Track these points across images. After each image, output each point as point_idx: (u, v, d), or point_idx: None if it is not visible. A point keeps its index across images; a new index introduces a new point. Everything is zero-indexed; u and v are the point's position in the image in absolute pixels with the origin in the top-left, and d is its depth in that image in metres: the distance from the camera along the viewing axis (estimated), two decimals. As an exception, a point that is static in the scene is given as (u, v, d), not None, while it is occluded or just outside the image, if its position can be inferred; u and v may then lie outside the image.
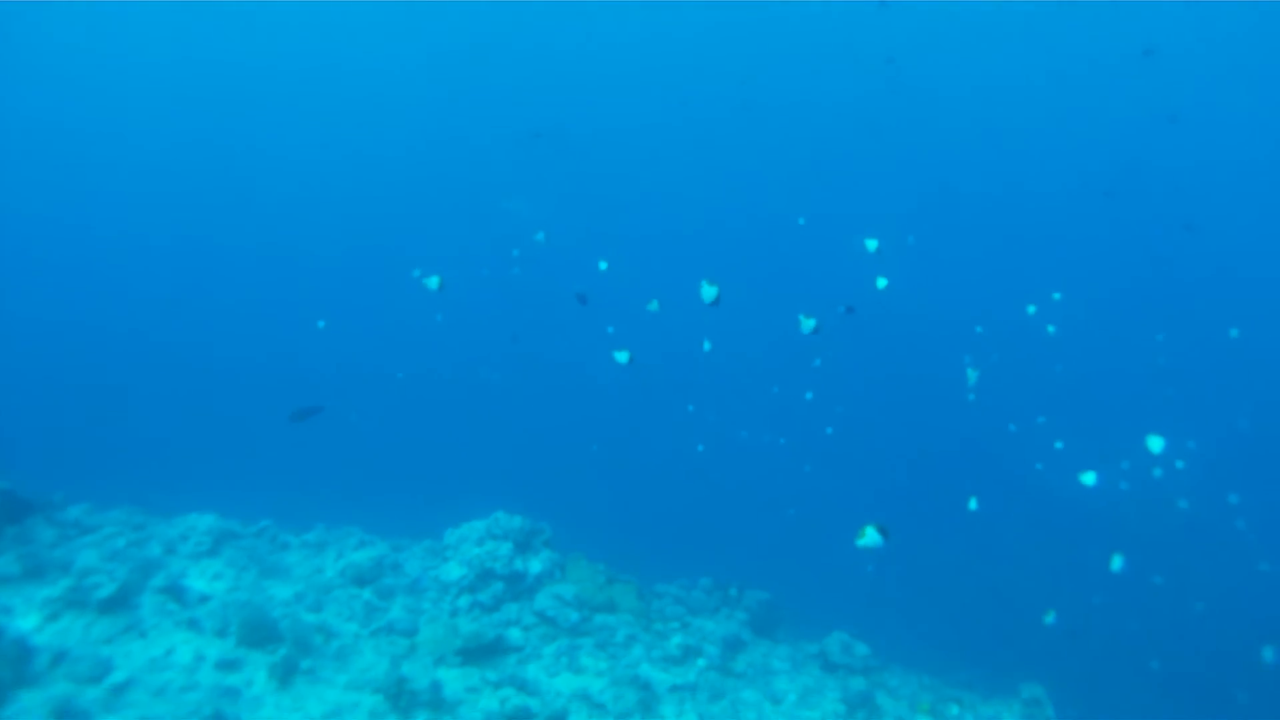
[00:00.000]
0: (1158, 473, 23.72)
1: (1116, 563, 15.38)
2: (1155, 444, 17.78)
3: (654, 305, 15.46)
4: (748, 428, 35.61)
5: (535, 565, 19.69)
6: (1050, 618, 15.64)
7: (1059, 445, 25.47)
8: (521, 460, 33.68)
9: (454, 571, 19.20)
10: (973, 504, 17.05)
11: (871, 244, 15.19)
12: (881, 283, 16.69)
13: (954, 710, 19.55)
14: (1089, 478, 15.90)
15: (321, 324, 31.17)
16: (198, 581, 17.83)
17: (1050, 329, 29.17)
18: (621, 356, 14.98)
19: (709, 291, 12.91)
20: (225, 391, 38.16)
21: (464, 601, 18.71)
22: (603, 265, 20.37)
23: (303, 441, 32.46)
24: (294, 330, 39.63)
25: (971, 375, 16.81)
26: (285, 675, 14.97)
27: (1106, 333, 39.40)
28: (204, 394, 37.24)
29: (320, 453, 32.49)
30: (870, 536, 10.39)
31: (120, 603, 15.93)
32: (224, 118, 62.09)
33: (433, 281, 13.62)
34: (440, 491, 24.00)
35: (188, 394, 36.99)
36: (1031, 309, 23.80)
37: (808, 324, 13.69)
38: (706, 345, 18.67)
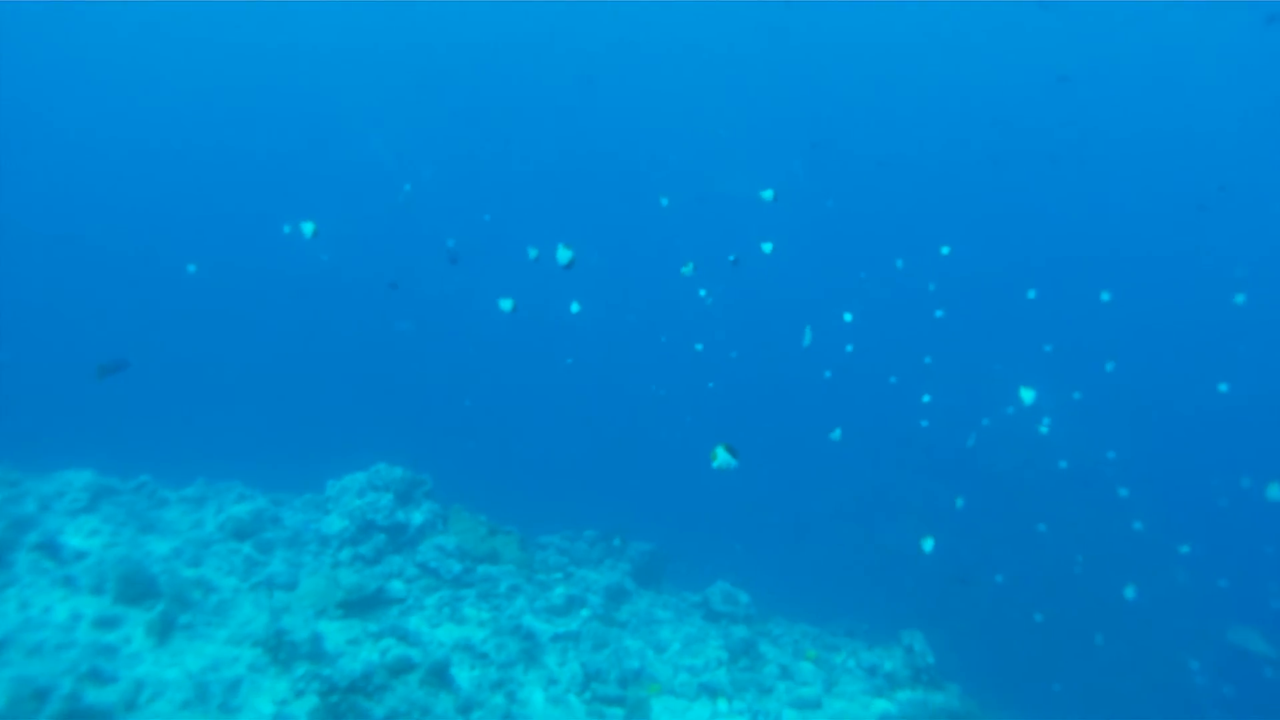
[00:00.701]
0: (1044, 429, 24.60)
1: (928, 544, 15.93)
2: (1028, 395, 18.43)
3: (533, 252, 15.50)
4: (631, 379, 35.99)
5: (417, 517, 19.81)
6: (929, 544, 16.10)
7: (926, 399, 26.18)
8: (403, 412, 33.62)
9: (335, 524, 19.25)
10: (836, 434, 17.41)
11: (768, 194, 15.42)
12: (767, 247, 16.94)
13: (838, 658, 20.13)
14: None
15: (192, 268, 30.64)
16: (74, 538, 17.66)
17: (931, 287, 29.96)
18: (505, 304, 15.04)
19: (564, 254, 13.05)
20: (102, 343, 37.43)
21: (345, 554, 18.79)
22: (486, 218, 20.38)
23: (183, 394, 32.12)
24: (171, 276, 38.89)
25: (807, 334, 17.04)
26: (164, 631, 14.95)
27: (987, 291, 40.30)
28: (82, 347, 36.46)
29: (202, 406, 32.15)
30: (722, 458, 10.59)
31: (-7, 560, 15.80)
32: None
33: (307, 227, 13.50)
34: (322, 444, 23.97)
35: (64, 347, 36.17)
36: (900, 263, 24.38)
37: (686, 268, 13.89)
38: (575, 307, 18.76)
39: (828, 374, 27.08)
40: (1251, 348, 41.62)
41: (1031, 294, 26.90)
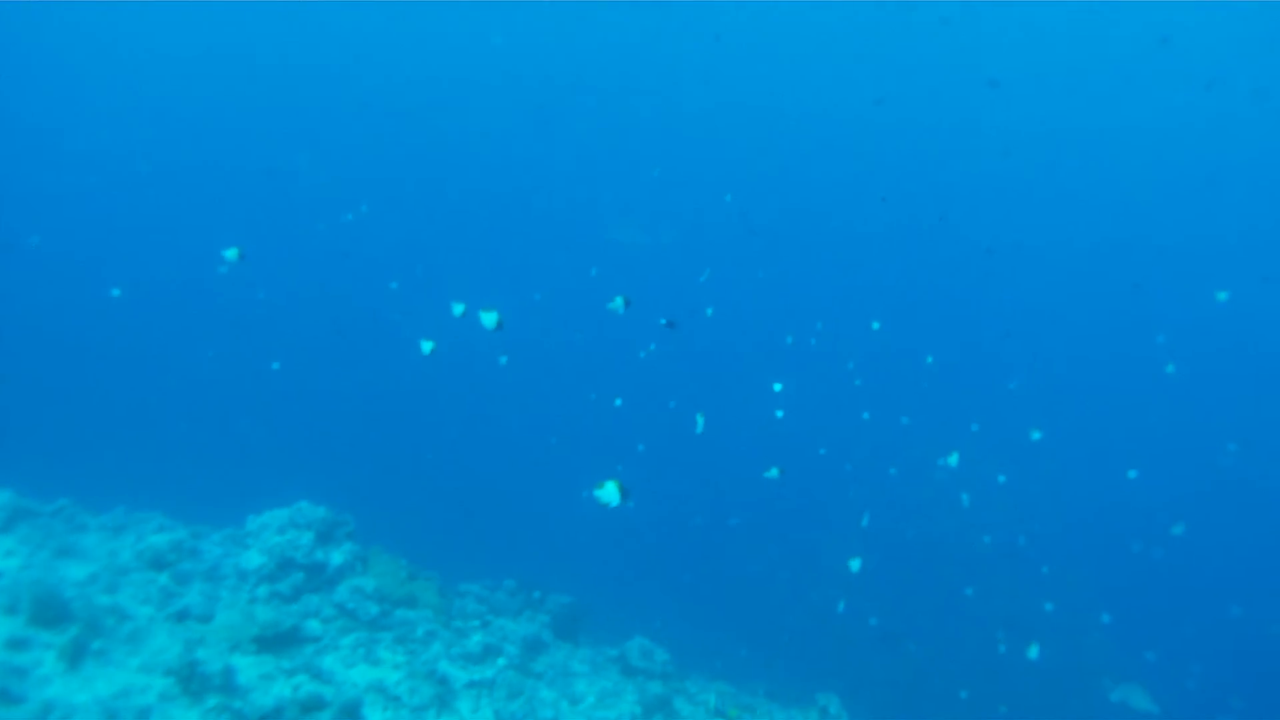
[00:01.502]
0: (965, 500, 25.15)
1: (855, 564, 16.25)
2: (953, 460, 18.86)
3: (458, 308, 15.58)
4: (553, 433, 36.13)
5: (337, 557, 19.81)
6: (856, 564, 16.36)
7: (822, 452, 26.61)
8: (329, 451, 33.55)
9: (254, 559, 19.21)
10: (773, 472, 17.62)
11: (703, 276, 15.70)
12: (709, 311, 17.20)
13: (752, 718, 20.33)
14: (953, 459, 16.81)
15: (116, 292, 30.41)
16: (-12, 558, 17.53)
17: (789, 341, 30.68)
18: (426, 346, 15.15)
19: (489, 318, 13.16)
20: (29, 359, 36.99)
21: (263, 590, 18.74)
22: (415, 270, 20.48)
23: (108, 421, 31.82)
24: (94, 302, 38.55)
25: (699, 422, 17.12)
26: (75, 655, 14.84)
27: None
28: (5, 363, 36.03)
29: (126, 434, 31.84)
30: (609, 492, 10.48)
31: (-96, 575, 15.62)
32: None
33: (231, 253, 13.52)
34: (245, 479, 23.90)
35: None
36: (876, 325, 24.68)
37: (615, 303, 14.09)
38: (503, 360, 18.95)
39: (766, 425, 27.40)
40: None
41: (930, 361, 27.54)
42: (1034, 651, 17.55)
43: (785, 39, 52.75)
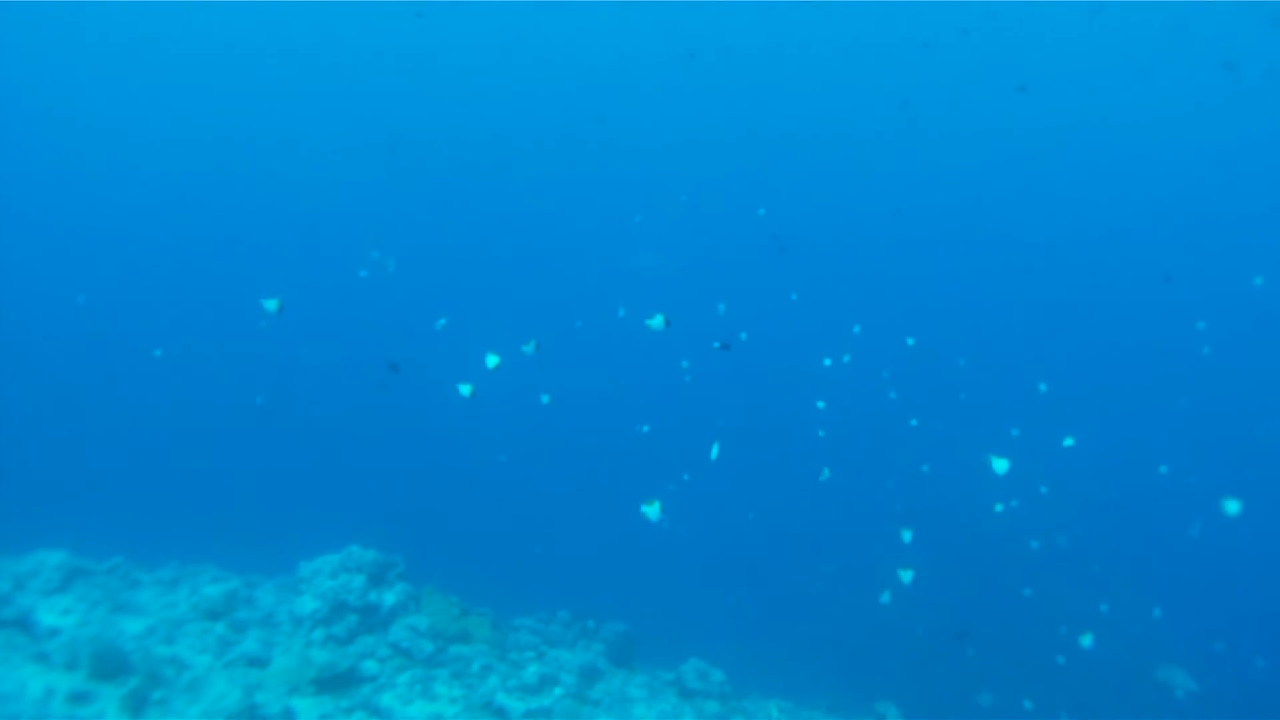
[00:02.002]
0: (1013, 504, 25.00)
1: (906, 576, 16.13)
2: (1000, 466, 18.74)
3: (493, 361, 15.54)
4: (606, 464, 36.18)
5: (389, 597, 19.91)
6: (908, 576, 16.26)
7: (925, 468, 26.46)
8: (377, 494, 33.73)
9: (308, 604, 19.34)
10: (825, 474, 17.44)
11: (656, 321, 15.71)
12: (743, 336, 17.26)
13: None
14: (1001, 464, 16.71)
15: (158, 352, 30.84)
16: (47, 616, 17.75)
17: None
18: (465, 389, 15.23)
19: (492, 360, 13.23)
20: (77, 422, 37.48)
21: (318, 634, 18.86)
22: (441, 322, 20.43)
23: (157, 477, 32.16)
24: (138, 357, 39.05)
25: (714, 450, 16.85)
26: (137, 707, 15.02)
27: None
28: (51, 429, 36.51)
29: (176, 490, 32.17)
30: (654, 510, 10.92)
31: (-34, 637, 15.87)
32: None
33: (271, 304, 13.62)
34: (295, 527, 24.06)
35: (33, 429, 36.20)
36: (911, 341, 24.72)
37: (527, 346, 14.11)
38: (545, 399, 18.96)
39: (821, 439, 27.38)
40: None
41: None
42: (1087, 640, 17.33)
43: (799, 53, 52.84)
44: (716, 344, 17.68)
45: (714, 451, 11.63)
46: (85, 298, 46.01)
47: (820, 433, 25.68)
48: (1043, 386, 26.57)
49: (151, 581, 21.29)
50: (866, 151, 58.10)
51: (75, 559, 20.34)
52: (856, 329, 32.81)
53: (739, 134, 59.02)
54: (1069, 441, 21.62)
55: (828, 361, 23.34)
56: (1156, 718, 24.79)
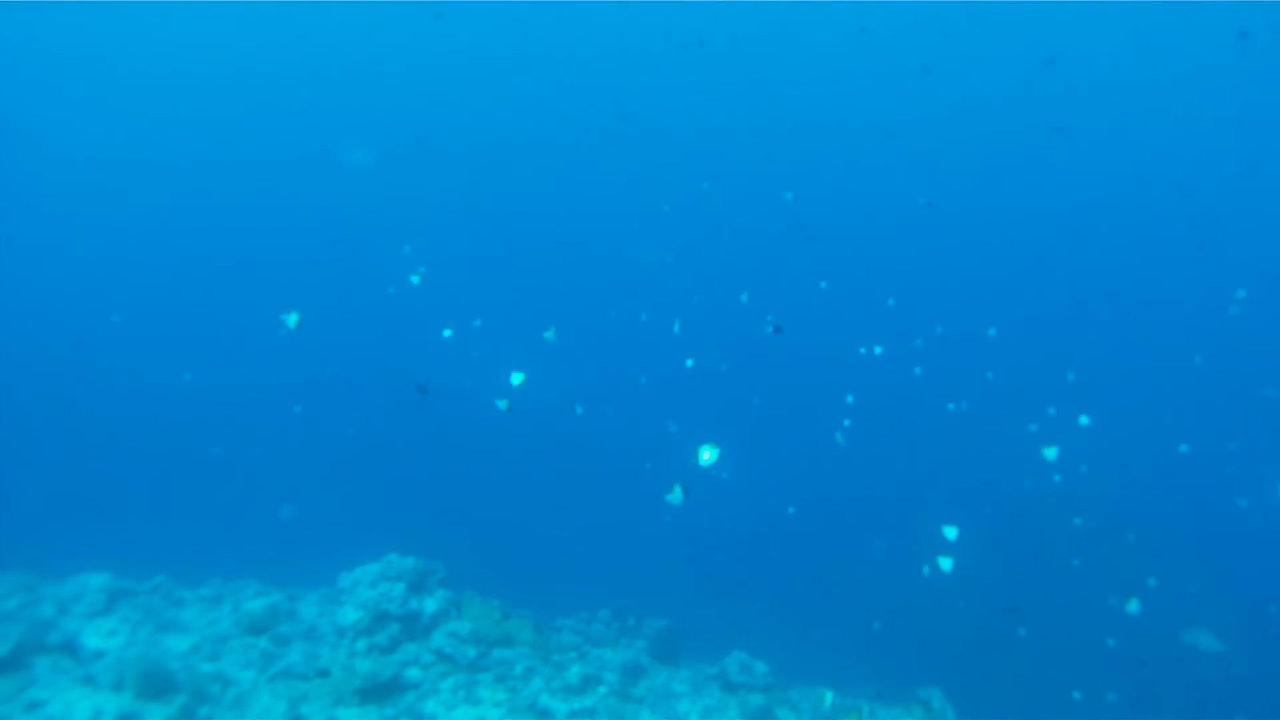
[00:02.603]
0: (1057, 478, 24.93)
1: (946, 564, 16.01)
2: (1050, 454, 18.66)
3: (518, 378, 15.49)
4: (638, 460, 36.16)
5: (430, 604, 19.96)
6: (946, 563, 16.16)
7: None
8: (413, 501, 33.80)
9: (349, 615, 19.42)
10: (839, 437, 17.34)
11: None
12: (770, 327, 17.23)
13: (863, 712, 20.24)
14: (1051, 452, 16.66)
15: (188, 376, 31.07)
16: (93, 638, 17.90)
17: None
18: (501, 404, 15.21)
19: (516, 377, 13.15)
20: (112, 446, 37.71)
21: (361, 644, 18.94)
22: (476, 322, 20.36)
23: (195, 495, 32.37)
24: (169, 377, 39.35)
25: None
26: (184, 724, 15.15)
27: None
28: (89, 451, 36.77)
29: (214, 506, 32.38)
30: (676, 494, 11.15)
31: (14, 663, 15.99)
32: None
33: (291, 318, 13.60)
34: (334, 538, 24.15)
35: (71, 452, 36.50)
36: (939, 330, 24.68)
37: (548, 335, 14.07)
38: (579, 410, 18.95)
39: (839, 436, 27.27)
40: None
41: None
42: (1134, 606, 17.23)
43: (811, 38, 52.45)
44: (770, 327, 17.65)
45: (678, 496, 11.49)
46: (120, 317, 46.29)
47: (845, 423, 25.45)
48: (1070, 376, 26.44)
49: (194, 599, 21.45)
50: (886, 135, 57.57)
51: (118, 580, 20.53)
52: (891, 301, 32.75)
53: (758, 122, 58.70)
54: (1084, 420, 21.55)
55: (867, 350, 23.31)
56: (1186, 681, 24.71)
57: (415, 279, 16.97)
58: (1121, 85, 52.25)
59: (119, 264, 56.80)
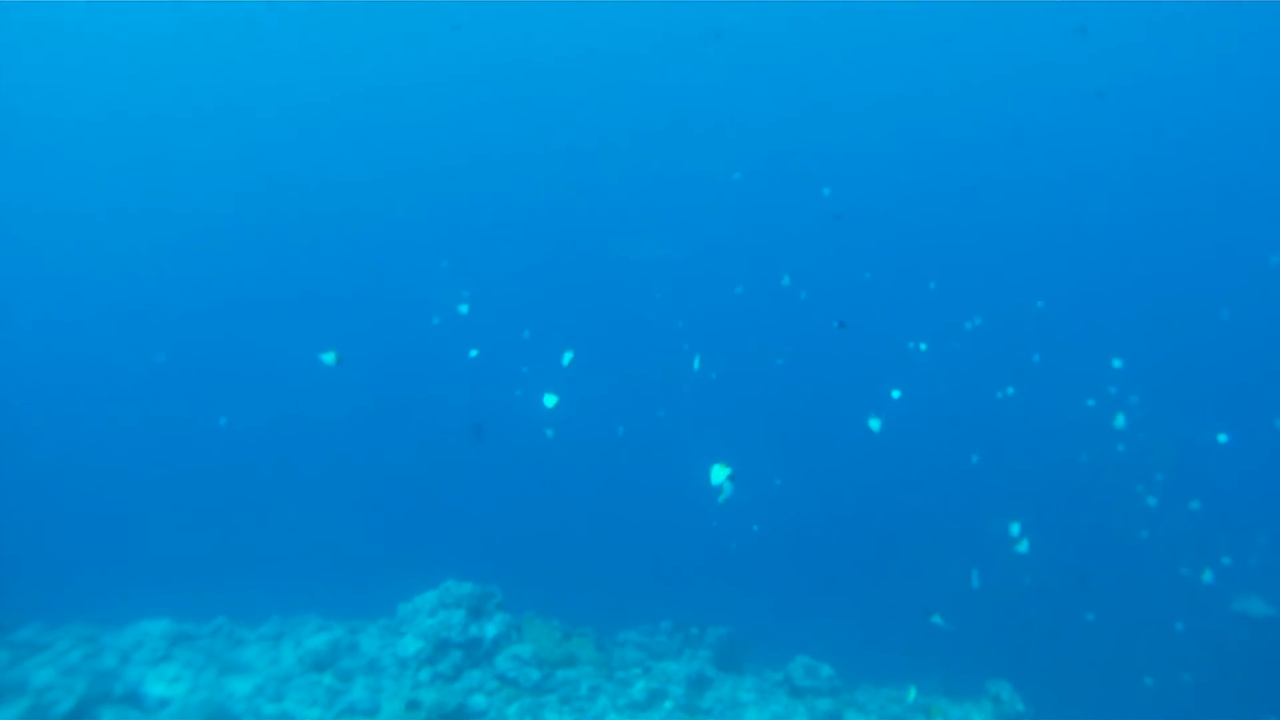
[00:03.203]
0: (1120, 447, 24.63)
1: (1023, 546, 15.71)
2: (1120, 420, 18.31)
3: (551, 400, 15.42)
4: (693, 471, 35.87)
5: (491, 629, 19.85)
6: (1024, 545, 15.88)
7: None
8: (466, 525, 33.74)
9: (410, 645, 19.33)
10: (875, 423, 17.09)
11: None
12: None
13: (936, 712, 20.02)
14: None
15: (223, 420, 31.20)
16: (156, 686, 17.87)
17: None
18: (549, 400, 15.14)
19: (549, 399, 13.03)
20: (163, 490, 37.82)
21: (425, 674, 18.85)
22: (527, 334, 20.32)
23: (251, 535, 32.43)
24: (211, 416, 39.40)
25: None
26: (252, 768, 15.08)
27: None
28: (138, 498, 36.90)
29: (271, 544, 32.40)
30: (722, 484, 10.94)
31: (80, 716, 15.98)
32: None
33: (329, 357, 13.48)
34: (389, 566, 24.09)
35: (123, 501, 36.64)
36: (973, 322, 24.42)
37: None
38: (620, 430, 18.77)
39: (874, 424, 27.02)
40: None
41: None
42: (1208, 575, 16.97)
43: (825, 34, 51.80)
44: (837, 323, 17.50)
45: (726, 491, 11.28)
46: (165, 356, 46.42)
47: (873, 424, 25.13)
48: (1117, 362, 26.03)
49: (255, 639, 21.45)
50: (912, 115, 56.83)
51: (178, 625, 20.55)
52: (932, 284, 32.38)
53: (787, 112, 58.05)
54: (1119, 421, 21.28)
55: (914, 345, 23.08)
56: (1238, 648, 24.41)
57: (463, 308, 16.89)
58: (1160, 56, 51.35)
59: (159, 305, 57.01)
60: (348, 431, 41.21)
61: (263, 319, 53.51)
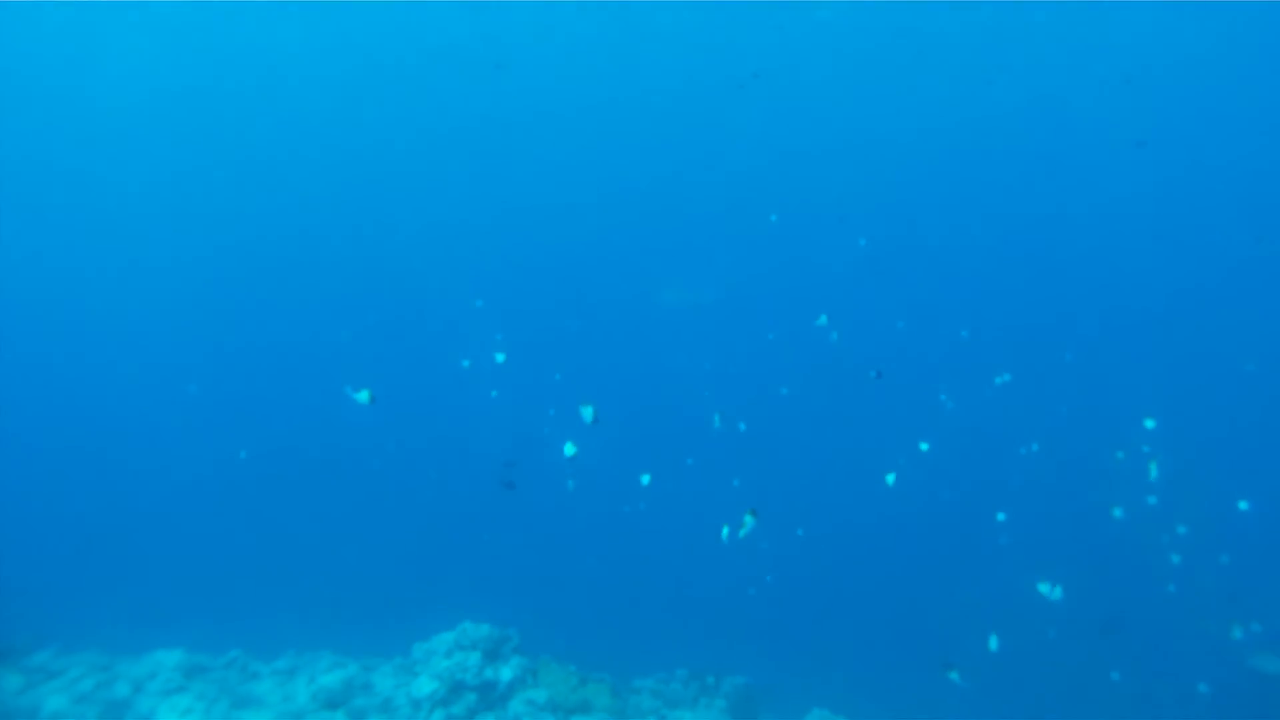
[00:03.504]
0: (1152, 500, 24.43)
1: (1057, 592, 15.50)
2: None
3: (570, 450, 15.31)
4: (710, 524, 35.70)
5: (506, 672, 19.69)
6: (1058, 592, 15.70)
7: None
8: (484, 568, 33.61)
9: (425, 686, 19.16)
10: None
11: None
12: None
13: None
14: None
15: (243, 454, 31.28)
16: (168, 718, 17.75)
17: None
18: (569, 449, 15.03)
19: (569, 449, 12.99)
20: (180, 520, 37.83)
21: (438, 715, 18.67)
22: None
23: (268, 569, 32.37)
24: (232, 448, 39.41)
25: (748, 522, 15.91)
26: (261, 806, 14.93)
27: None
28: (154, 530, 36.91)
29: (288, 578, 32.33)
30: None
31: (90, 747, 15.91)
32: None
33: (362, 396, 13.42)
34: (406, 605, 24.01)
35: (139, 531, 36.65)
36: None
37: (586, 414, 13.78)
38: (645, 479, 18.60)
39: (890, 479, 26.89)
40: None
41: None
42: (1238, 633, 16.76)
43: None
44: (874, 373, 17.49)
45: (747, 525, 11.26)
46: (197, 388, 46.52)
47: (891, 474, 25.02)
48: (1149, 423, 25.92)
49: (269, 673, 21.34)
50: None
51: (192, 656, 20.47)
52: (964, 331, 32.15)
53: (822, 154, 57.86)
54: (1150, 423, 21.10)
55: (948, 398, 23.04)
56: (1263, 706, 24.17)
57: (500, 356, 16.87)
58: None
59: (194, 338, 57.23)
60: (372, 468, 41.18)
61: (290, 352, 53.65)
